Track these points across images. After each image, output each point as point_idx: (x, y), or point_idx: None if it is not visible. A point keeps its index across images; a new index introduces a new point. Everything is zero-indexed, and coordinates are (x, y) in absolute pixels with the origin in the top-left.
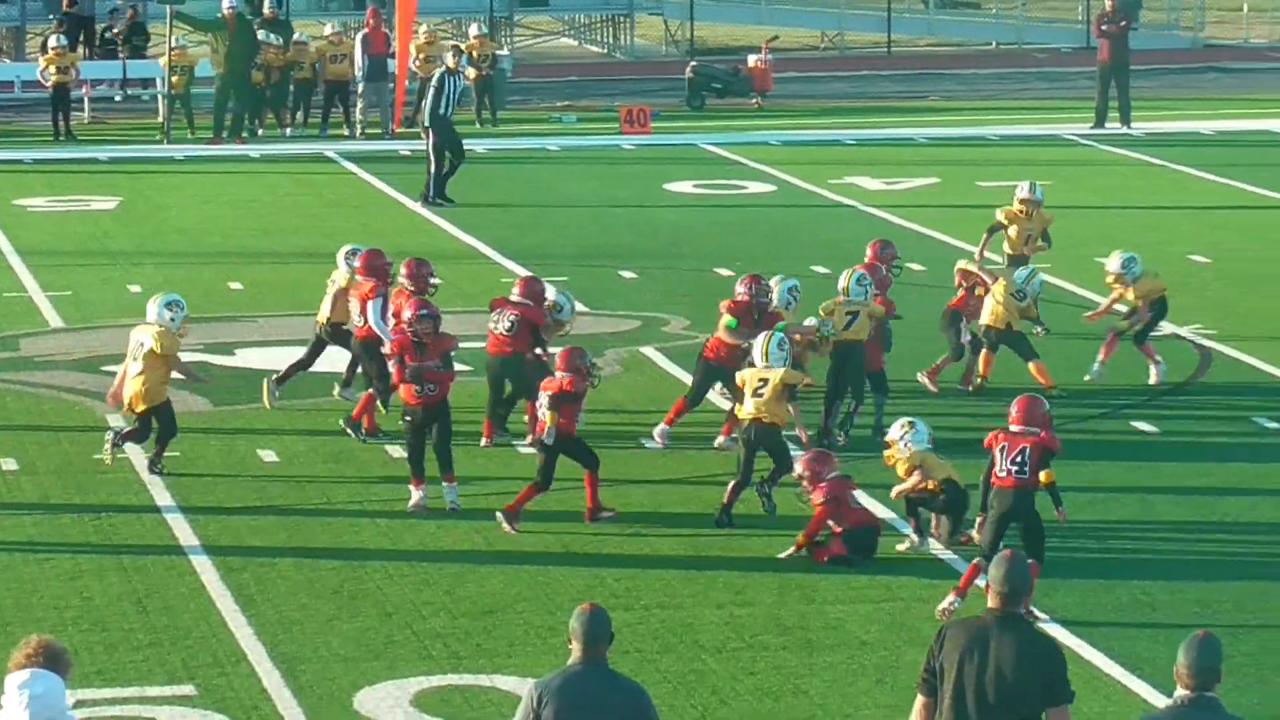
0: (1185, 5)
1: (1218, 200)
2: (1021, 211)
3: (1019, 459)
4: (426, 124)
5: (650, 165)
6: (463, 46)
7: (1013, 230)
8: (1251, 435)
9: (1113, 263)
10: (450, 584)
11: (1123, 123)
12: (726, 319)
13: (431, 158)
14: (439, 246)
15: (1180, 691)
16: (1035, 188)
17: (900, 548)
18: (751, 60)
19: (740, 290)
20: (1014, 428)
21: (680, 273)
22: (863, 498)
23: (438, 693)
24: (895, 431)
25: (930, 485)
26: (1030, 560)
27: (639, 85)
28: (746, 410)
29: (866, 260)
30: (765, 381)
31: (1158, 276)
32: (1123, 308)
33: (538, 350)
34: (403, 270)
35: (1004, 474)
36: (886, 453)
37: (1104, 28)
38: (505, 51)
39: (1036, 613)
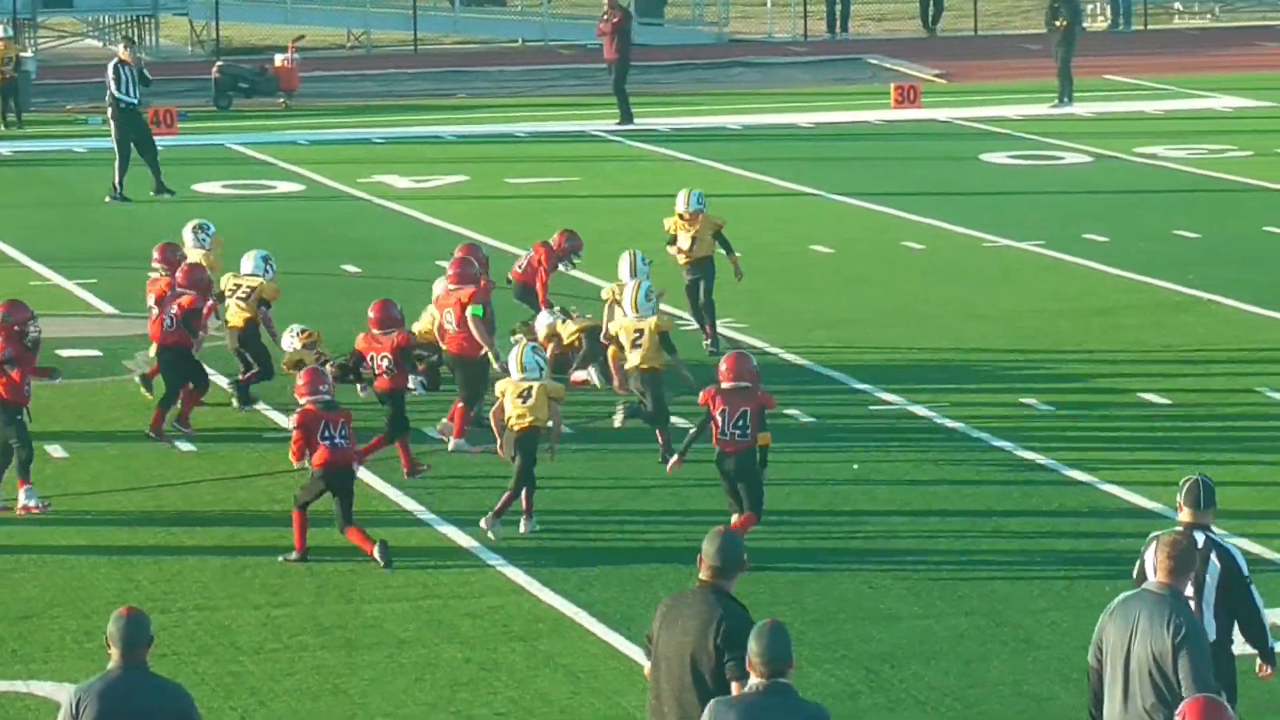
0: (709, 1)
1: (744, 193)
2: (685, 219)
3: (741, 421)
4: None
5: (178, 166)
6: None
7: (682, 239)
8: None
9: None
10: None
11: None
12: (473, 308)
13: None
14: None
15: (754, 679)
16: (695, 198)
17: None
18: (278, 60)
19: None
20: (725, 384)
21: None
22: None
23: None
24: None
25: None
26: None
27: (165, 86)
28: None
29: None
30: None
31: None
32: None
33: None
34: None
35: (726, 436)
36: None
37: (601, 26)
38: (29, 53)
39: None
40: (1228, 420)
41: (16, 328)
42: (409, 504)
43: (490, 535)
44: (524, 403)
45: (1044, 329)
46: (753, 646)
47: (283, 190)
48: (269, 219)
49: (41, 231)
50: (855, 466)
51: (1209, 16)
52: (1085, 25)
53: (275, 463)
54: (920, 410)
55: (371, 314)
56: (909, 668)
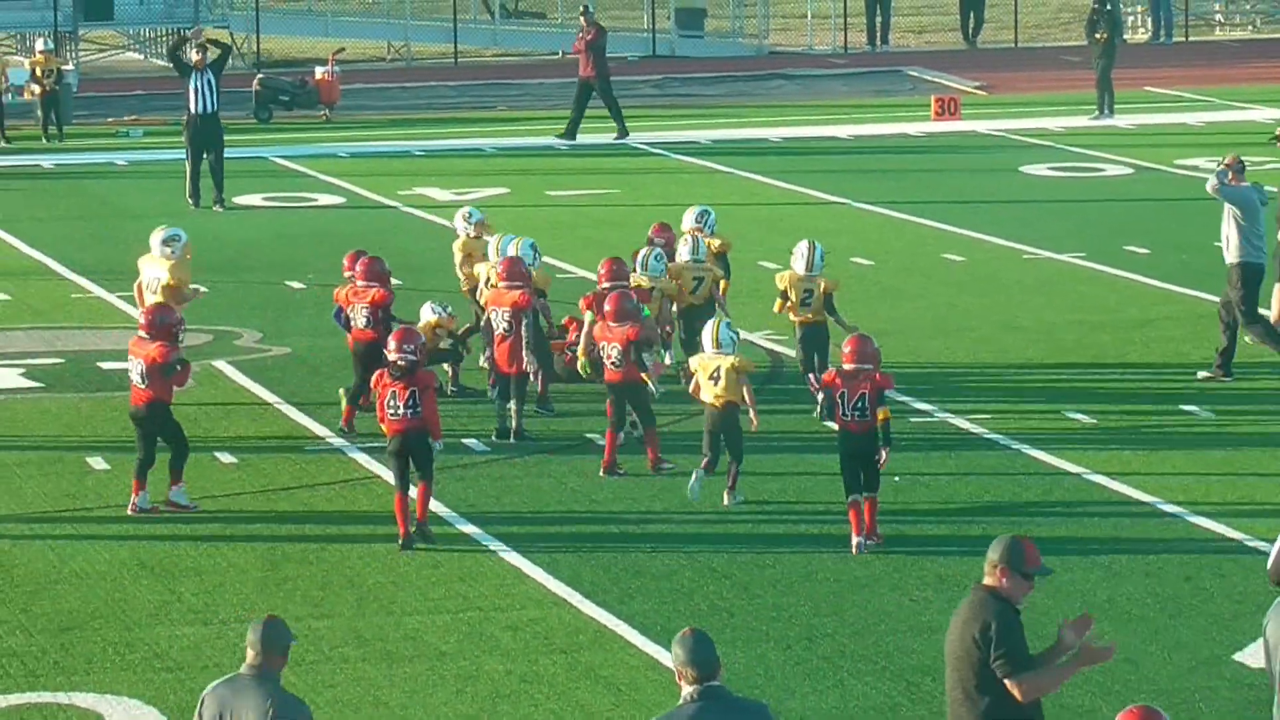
0: (749, 14)
1: (784, 203)
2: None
3: (860, 403)
4: None
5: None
6: (26, 62)
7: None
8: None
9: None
10: (25, 601)
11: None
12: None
13: None
14: (4, 263)
15: (687, 688)
16: (703, 215)
17: None
18: (318, 72)
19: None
20: (847, 366)
21: (250, 286)
22: None
23: (15, 711)
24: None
25: None
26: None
27: None
28: (705, 397)
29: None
30: (719, 368)
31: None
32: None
33: None
34: None
35: (847, 417)
36: None
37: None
38: (70, 66)
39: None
40: (1270, 430)
41: (173, 330)
42: (448, 514)
43: (729, 504)
44: (715, 384)
45: (1084, 341)
46: (679, 655)
47: (323, 203)
48: (310, 231)
49: (82, 244)
50: (896, 479)
51: (1250, 28)
52: (1126, 37)
53: (316, 474)
54: (960, 422)
55: (608, 306)
56: None
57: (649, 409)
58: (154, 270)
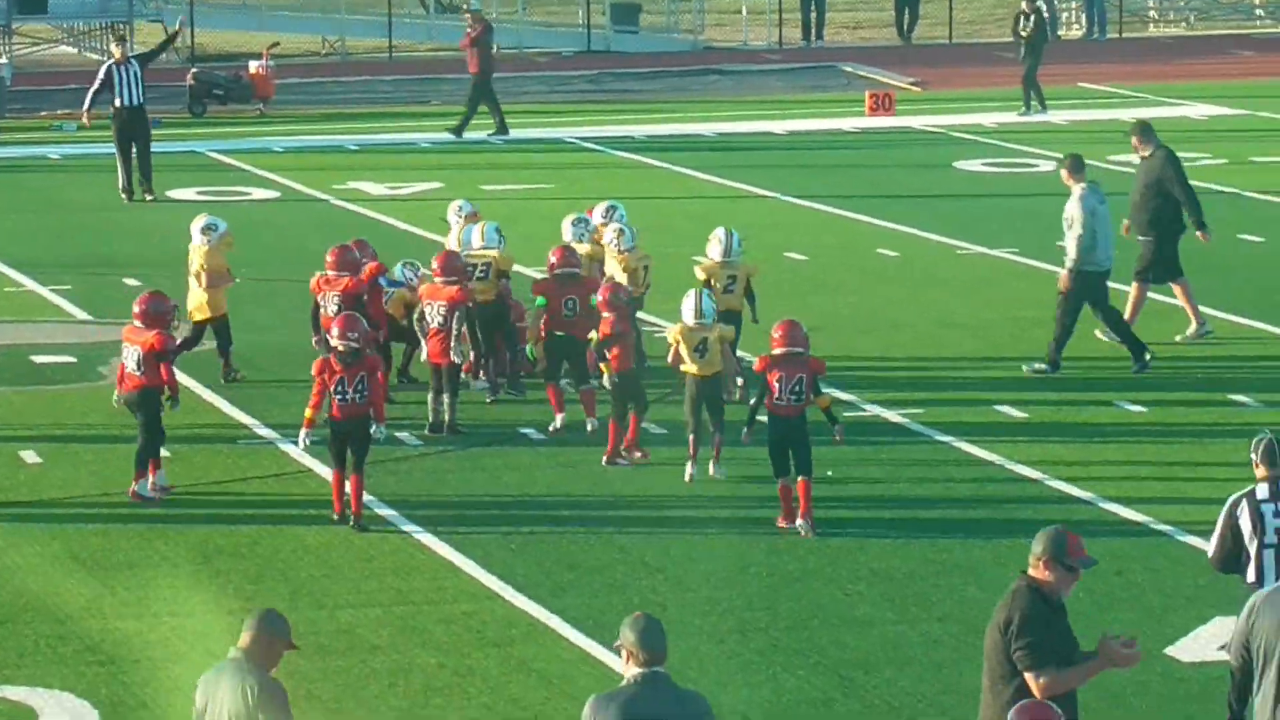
0: (685, 9)
1: (718, 199)
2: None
3: (797, 387)
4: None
5: (154, 173)
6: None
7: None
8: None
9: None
10: None
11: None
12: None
13: None
14: None
15: (633, 669)
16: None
17: None
18: (253, 66)
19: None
20: (778, 351)
21: (184, 279)
22: None
23: None
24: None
25: None
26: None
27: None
28: (690, 369)
29: None
30: (705, 340)
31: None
32: None
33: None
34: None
35: (782, 402)
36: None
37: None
38: (4, 60)
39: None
40: (1200, 425)
41: (167, 317)
42: (383, 510)
43: (718, 476)
44: (701, 357)
45: (1018, 337)
46: (629, 636)
47: (258, 197)
48: (244, 225)
49: (16, 237)
50: (829, 473)
51: (1184, 25)
52: (1061, 33)
53: (248, 468)
54: (893, 416)
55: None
56: (883, 673)
57: (630, 400)
58: (192, 257)
